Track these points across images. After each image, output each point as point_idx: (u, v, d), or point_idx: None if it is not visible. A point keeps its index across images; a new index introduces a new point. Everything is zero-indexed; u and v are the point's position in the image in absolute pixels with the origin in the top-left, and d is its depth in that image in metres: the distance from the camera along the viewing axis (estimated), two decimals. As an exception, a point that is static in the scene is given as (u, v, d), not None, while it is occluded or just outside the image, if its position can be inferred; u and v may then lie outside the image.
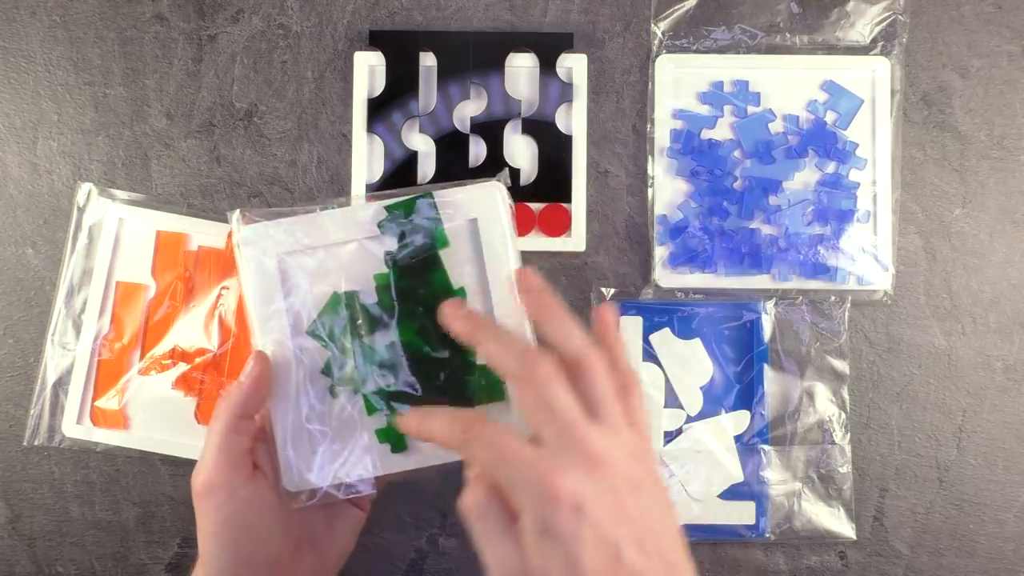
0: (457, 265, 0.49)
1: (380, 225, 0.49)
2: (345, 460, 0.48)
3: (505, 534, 0.39)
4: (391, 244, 0.49)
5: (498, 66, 0.60)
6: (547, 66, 0.60)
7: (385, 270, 0.49)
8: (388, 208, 0.49)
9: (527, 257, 0.60)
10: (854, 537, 0.59)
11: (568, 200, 0.60)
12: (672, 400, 0.59)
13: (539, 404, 0.39)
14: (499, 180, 0.50)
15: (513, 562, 0.38)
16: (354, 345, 0.49)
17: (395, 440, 0.48)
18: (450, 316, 0.45)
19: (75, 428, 0.58)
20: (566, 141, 0.60)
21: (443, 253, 0.49)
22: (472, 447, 0.40)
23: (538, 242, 0.60)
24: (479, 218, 0.49)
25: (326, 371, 0.49)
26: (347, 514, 0.51)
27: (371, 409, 0.49)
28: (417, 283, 0.49)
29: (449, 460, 0.48)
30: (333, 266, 0.49)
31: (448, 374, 0.48)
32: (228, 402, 0.46)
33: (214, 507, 0.45)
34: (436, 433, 0.43)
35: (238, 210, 0.49)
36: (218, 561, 0.45)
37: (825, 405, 0.59)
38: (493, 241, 0.49)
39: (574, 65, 0.60)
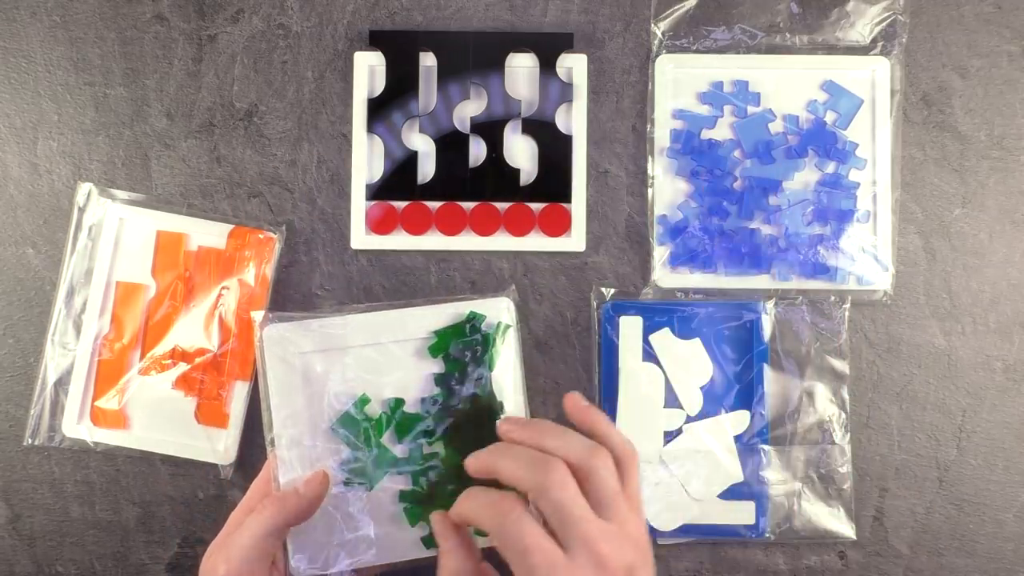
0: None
1: (431, 349, 0.53)
2: (351, 548, 0.52)
3: None
4: (438, 365, 0.53)
5: (498, 66, 0.60)
6: (547, 66, 0.60)
7: (435, 389, 0.53)
8: (438, 333, 0.53)
9: (527, 257, 0.60)
10: (854, 537, 0.59)
11: (568, 200, 0.60)
12: (672, 400, 0.59)
13: (554, 510, 0.42)
14: (507, 296, 0.55)
15: None
16: (375, 445, 0.53)
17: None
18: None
19: (75, 428, 0.58)
20: (566, 141, 0.60)
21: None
22: (503, 539, 0.43)
23: (538, 242, 0.60)
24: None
25: (343, 466, 0.52)
26: None
27: (414, 520, 0.52)
28: (463, 401, 0.53)
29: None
30: (358, 368, 0.53)
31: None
32: (280, 508, 0.48)
33: None
34: (473, 517, 0.45)
35: (264, 311, 0.52)
36: None
37: (825, 405, 0.59)
38: (507, 352, 0.54)
39: (574, 65, 0.60)
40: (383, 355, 0.53)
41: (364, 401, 0.53)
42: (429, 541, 0.52)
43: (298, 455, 0.51)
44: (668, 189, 0.60)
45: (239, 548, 0.47)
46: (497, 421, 0.49)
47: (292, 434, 0.52)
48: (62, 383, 0.58)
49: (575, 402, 0.48)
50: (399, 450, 0.53)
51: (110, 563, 0.59)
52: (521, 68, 0.60)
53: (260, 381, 0.52)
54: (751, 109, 0.60)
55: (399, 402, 0.53)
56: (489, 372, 0.53)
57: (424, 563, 0.52)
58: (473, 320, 0.54)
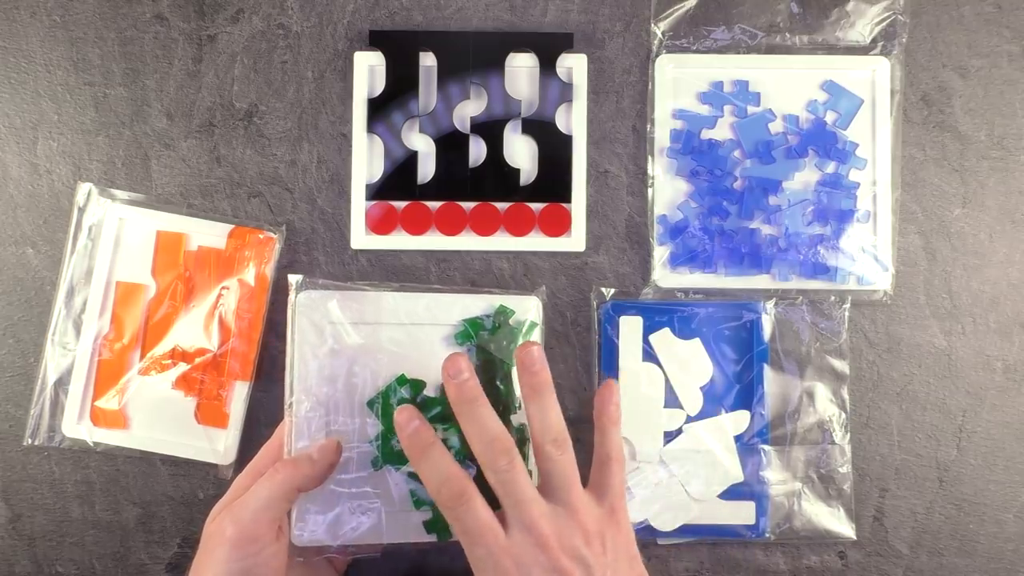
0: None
1: (458, 336, 0.53)
2: (354, 524, 0.51)
3: None
4: (463, 352, 0.53)
5: (498, 66, 0.60)
6: (547, 66, 0.60)
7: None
8: (467, 322, 0.53)
9: (527, 257, 0.60)
10: (854, 537, 0.59)
11: (568, 200, 0.60)
12: (672, 400, 0.59)
13: (500, 487, 0.44)
14: (537, 296, 0.55)
15: None
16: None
17: (441, 531, 0.52)
18: (449, 376, 0.47)
19: (75, 428, 0.58)
20: (566, 141, 0.60)
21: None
22: (454, 520, 0.45)
23: (538, 242, 0.60)
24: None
25: (368, 442, 0.52)
26: (325, 571, 0.54)
27: (419, 504, 0.52)
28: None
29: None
30: (385, 346, 0.53)
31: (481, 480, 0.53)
32: (293, 472, 0.48)
33: (238, 557, 0.46)
34: (430, 489, 0.46)
35: (301, 276, 0.52)
36: None
37: (825, 405, 0.59)
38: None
39: (574, 65, 0.60)
40: (411, 336, 0.53)
41: (402, 381, 0.53)
42: (431, 526, 0.52)
43: (315, 423, 0.51)
44: (668, 189, 0.60)
45: (250, 509, 0.47)
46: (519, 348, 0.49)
47: (312, 402, 0.52)
48: (62, 383, 0.58)
49: (603, 396, 0.49)
50: None
51: (110, 563, 0.59)
52: (521, 68, 0.61)
53: (288, 346, 0.52)
54: (751, 109, 0.60)
55: (421, 384, 0.53)
56: (511, 367, 0.53)
57: (424, 547, 0.52)
58: (503, 314, 0.54)
